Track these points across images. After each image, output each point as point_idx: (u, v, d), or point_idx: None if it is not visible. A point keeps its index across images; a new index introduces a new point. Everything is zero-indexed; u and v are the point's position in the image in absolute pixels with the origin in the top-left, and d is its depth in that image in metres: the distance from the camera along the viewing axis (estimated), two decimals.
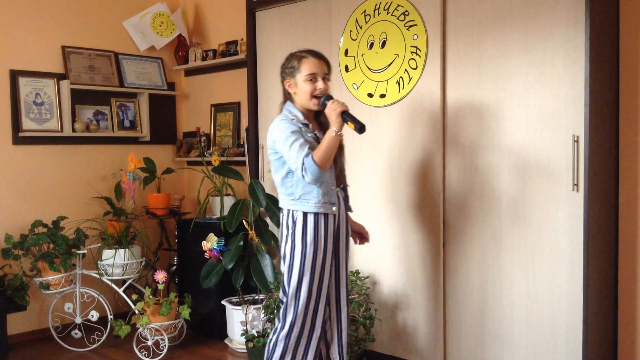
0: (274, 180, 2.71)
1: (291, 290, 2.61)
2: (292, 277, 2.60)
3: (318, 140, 2.61)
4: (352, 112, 2.58)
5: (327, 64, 2.67)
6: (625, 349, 2.95)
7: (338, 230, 2.68)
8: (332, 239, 2.65)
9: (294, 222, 2.61)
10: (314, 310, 2.63)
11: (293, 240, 2.61)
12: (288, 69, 2.67)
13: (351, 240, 2.90)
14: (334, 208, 2.63)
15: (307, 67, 2.61)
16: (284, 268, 2.65)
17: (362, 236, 2.96)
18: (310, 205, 2.59)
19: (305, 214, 2.59)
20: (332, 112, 2.51)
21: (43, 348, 3.97)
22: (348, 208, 2.83)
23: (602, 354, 2.86)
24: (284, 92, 2.74)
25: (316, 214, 2.59)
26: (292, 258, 2.60)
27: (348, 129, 2.56)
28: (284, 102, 2.74)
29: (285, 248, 2.64)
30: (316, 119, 2.73)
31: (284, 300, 2.64)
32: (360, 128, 2.50)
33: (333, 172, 2.66)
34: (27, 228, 3.98)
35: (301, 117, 2.64)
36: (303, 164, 2.48)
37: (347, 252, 2.78)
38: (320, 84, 2.61)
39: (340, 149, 2.70)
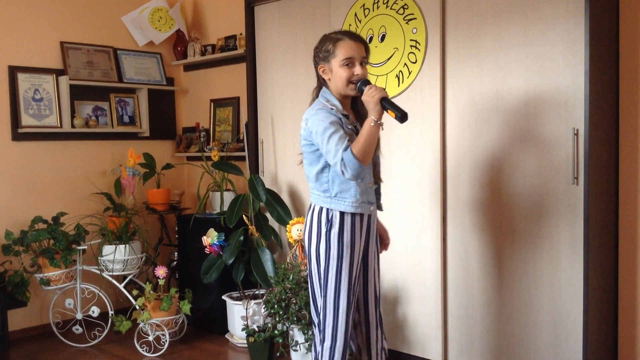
0: (306, 174, 2.48)
1: (330, 296, 2.39)
2: (329, 282, 2.39)
3: (357, 132, 2.36)
4: None
5: (366, 46, 2.40)
6: (626, 342, 2.96)
7: (369, 231, 2.47)
8: (366, 241, 2.46)
9: (329, 222, 2.38)
10: (350, 313, 2.43)
11: (328, 241, 2.38)
12: (322, 52, 2.39)
13: None
14: (371, 207, 2.43)
15: (343, 50, 2.33)
16: (315, 269, 2.44)
17: (381, 241, 2.68)
18: (347, 204, 2.36)
19: (342, 214, 2.37)
20: (370, 99, 2.25)
21: (44, 344, 3.98)
22: (379, 206, 2.60)
23: (602, 347, 2.87)
24: (318, 77, 2.47)
25: (353, 214, 2.37)
26: (328, 261, 2.38)
27: (388, 118, 2.32)
28: (318, 88, 2.48)
29: (318, 248, 2.41)
30: (353, 108, 2.49)
31: (319, 305, 2.45)
32: (401, 116, 2.24)
33: (371, 168, 2.44)
34: (27, 224, 3.98)
35: (340, 106, 2.38)
36: (342, 159, 2.23)
37: (378, 253, 2.57)
38: (357, 69, 2.34)
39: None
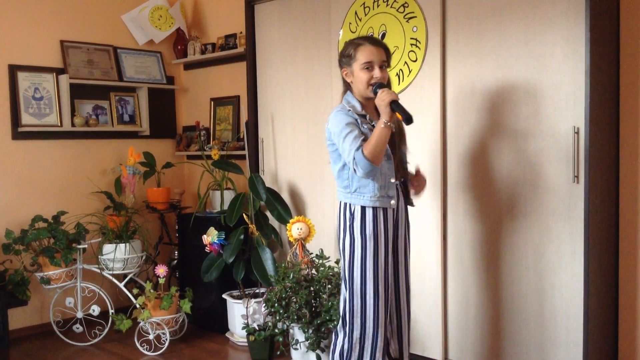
0: (332, 171, 2.63)
1: (356, 288, 2.52)
2: (355, 275, 2.52)
3: None
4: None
5: (386, 50, 2.53)
6: (626, 341, 2.96)
7: (397, 225, 2.58)
8: (394, 235, 2.57)
9: (352, 215, 2.52)
10: (384, 306, 2.54)
11: (352, 234, 2.52)
12: (345, 57, 2.55)
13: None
14: (392, 202, 2.52)
15: (363, 55, 2.48)
16: (342, 263, 2.59)
17: (419, 181, 2.68)
18: (366, 198, 2.50)
19: (363, 208, 2.50)
20: (380, 102, 2.37)
21: (44, 343, 3.98)
22: (409, 202, 2.68)
23: (602, 345, 2.87)
24: (343, 81, 2.62)
25: (374, 208, 2.50)
26: (353, 253, 2.52)
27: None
28: (344, 91, 2.62)
29: (344, 241, 2.57)
30: (377, 108, 2.55)
31: (347, 297, 2.55)
32: (407, 119, 2.35)
33: (392, 164, 2.54)
34: (28, 223, 3.98)
35: (359, 107, 2.53)
36: (354, 158, 2.37)
37: (408, 248, 2.66)
38: (376, 72, 2.47)
39: (400, 137, 2.58)
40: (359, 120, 2.49)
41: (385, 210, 2.52)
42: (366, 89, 2.50)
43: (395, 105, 2.37)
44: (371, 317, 2.52)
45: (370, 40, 2.53)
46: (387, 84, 2.53)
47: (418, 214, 3.23)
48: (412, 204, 2.70)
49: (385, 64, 2.51)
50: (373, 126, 2.51)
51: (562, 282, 2.78)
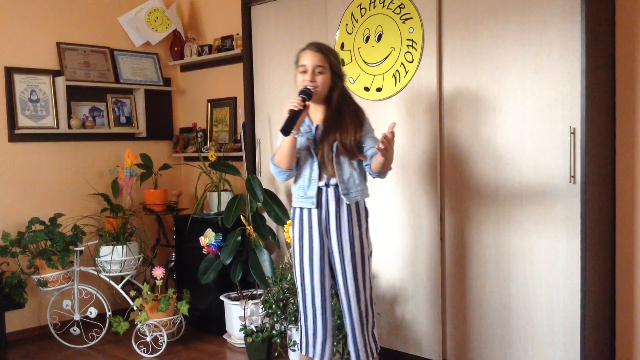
0: None
1: (296, 285, 2.72)
2: (294, 273, 2.72)
3: (312, 132, 2.61)
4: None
5: (325, 55, 2.56)
6: (624, 340, 2.96)
7: (327, 228, 2.63)
8: (319, 235, 2.62)
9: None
10: (311, 300, 2.65)
11: (292, 233, 2.72)
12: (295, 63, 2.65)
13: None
14: (311, 202, 2.59)
15: (300, 59, 2.59)
16: None
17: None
18: (294, 198, 2.68)
19: (294, 208, 2.70)
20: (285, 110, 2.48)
21: (42, 345, 3.97)
22: (343, 199, 2.58)
23: (599, 346, 2.87)
24: None
25: (301, 209, 2.65)
26: (292, 248, 2.71)
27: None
28: None
29: None
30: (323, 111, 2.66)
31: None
32: (281, 129, 2.44)
33: (317, 166, 2.59)
34: (24, 225, 3.97)
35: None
36: None
37: (346, 251, 2.59)
38: (305, 77, 2.54)
39: (328, 137, 2.53)
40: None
41: (309, 210, 2.62)
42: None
43: (288, 114, 2.42)
44: (302, 310, 2.68)
45: (311, 45, 2.60)
46: (339, 91, 2.58)
47: (415, 215, 3.23)
48: (347, 201, 2.58)
49: (320, 69, 2.54)
50: (309, 127, 2.60)
51: (559, 282, 2.79)
